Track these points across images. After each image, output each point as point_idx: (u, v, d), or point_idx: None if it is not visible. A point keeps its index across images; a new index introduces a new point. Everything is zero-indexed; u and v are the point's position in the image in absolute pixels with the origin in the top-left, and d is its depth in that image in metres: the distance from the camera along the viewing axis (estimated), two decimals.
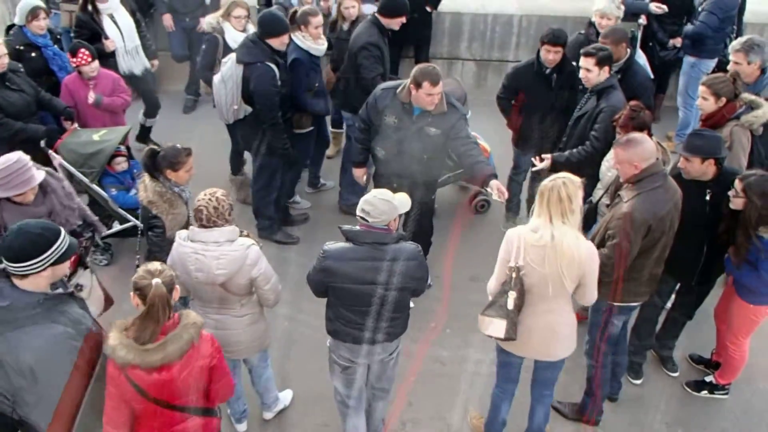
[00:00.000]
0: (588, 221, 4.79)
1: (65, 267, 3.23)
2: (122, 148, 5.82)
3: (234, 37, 6.21)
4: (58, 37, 6.36)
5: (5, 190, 4.07)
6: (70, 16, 7.61)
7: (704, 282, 4.74)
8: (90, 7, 6.48)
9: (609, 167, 4.77)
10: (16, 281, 3.10)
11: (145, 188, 4.52)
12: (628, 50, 5.63)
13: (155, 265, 3.16)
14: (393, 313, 3.84)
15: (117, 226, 5.80)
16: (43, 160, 5.34)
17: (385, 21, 5.94)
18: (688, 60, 7.37)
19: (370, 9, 7.02)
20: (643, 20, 7.44)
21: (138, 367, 3.02)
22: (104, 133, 5.73)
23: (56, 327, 3.07)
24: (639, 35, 7.50)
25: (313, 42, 5.86)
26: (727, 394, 4.97)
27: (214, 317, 4.01)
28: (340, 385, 4.17)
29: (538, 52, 5.69)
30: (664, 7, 7.34)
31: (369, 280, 3.73)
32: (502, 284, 3.85)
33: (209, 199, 3.80)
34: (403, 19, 6.00)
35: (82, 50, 5.79)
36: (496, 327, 3.85)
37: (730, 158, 4.68)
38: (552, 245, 3.68)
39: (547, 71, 5.70)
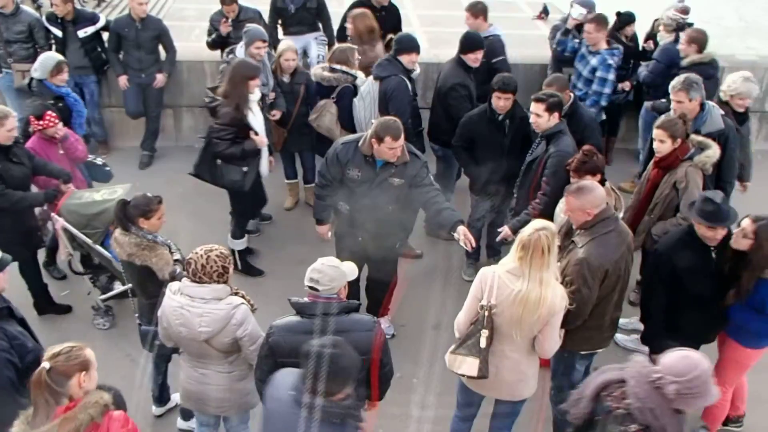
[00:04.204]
0: None
1: (1, 280, 3.50)
2: None
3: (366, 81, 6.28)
4: None
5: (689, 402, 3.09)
6: (23, 76, 7.56)
7: (705, 342, 4.61)
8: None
9: (562, 209, 4.84)
10: None
11: (119, 245, 4.38)
12: (572, 95, 5.78)
13: (55, 348, 2.97)
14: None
15: (118, 287, 5.68)
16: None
17: (465, 57, 6.21)
18: (646, 104, 7.48)
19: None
20: None
21: None
22: (105, 192, 5.56)
23: None
24: None
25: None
26: None
27: (201, 371, 3.95)
28: None
29: (490, 99, 5.80)
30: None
31: None
32: (473, 323, 3.83)
33: (200, 255, 3.76)
34: (481, 54, 6.28)
35: (49, 112, 5.61)
36: (469, 366, 3.83)
37: (686, 197, 4.80)
38: (530, 292, 3.67)
39: (500, 117, 5.80)
